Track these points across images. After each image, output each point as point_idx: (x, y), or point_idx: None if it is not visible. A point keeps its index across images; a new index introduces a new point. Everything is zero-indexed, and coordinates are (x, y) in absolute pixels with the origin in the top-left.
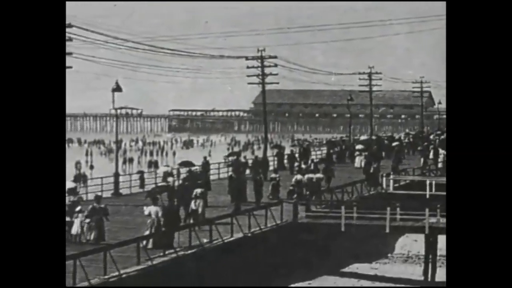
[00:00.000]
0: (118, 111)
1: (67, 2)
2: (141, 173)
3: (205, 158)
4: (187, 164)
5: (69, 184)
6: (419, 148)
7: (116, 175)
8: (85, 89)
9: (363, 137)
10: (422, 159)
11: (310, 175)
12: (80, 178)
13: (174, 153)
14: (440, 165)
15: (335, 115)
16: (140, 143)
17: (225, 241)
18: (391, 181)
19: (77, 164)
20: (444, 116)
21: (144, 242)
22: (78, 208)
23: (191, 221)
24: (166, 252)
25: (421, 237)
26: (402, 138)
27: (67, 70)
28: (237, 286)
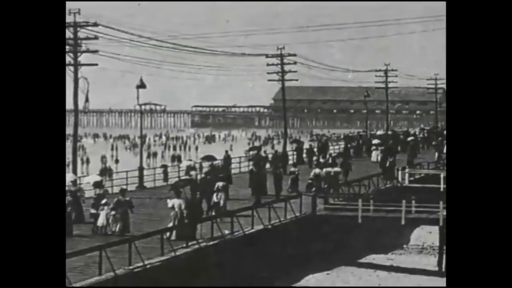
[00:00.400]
0: (143, 107)
1: (93, 3)
2: (164, 167)
3: (226, 152)
4: (209, 158)
5: (95, 178)
6: (433, 143)
7: (141, 169)
8: (111, 86)
9: (379, 132)
10: (436, 154)
11: (328, 169)
12: (106, 171)
13: (196, 148)
14: None
15: (352, 111)
16: (164, 138)
17: (246, 233)
18: (407, 174)
19: (103, 158)
20: None
21: (168, 233)
22: (103, 201)
23: (213, 213)
24: (189, 244)
25: (435, 229)
26: (417, 133)
27: (93, 67)
28: (244, 286)
